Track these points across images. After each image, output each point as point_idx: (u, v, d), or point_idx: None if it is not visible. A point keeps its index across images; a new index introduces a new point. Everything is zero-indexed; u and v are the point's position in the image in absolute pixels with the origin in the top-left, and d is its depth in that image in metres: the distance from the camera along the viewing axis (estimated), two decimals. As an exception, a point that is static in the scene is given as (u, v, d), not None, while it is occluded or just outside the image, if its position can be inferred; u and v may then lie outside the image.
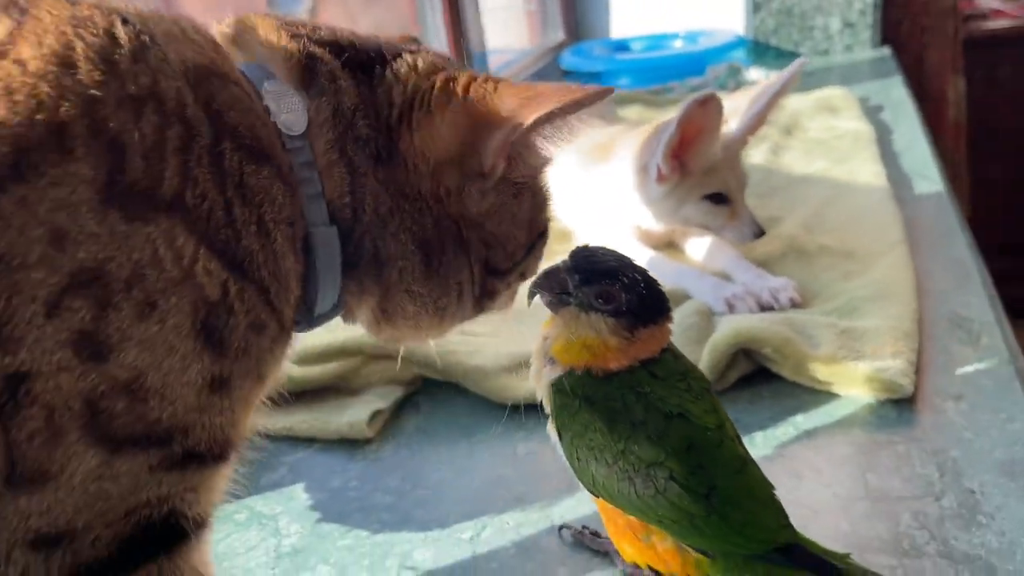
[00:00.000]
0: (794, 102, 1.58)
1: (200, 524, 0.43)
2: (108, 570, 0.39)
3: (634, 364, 0.52)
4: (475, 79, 0.48)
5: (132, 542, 0.40)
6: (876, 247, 0.97)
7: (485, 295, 0.51)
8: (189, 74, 0.41)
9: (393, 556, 0.63)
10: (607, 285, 0.52)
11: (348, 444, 0.77)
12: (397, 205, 0.47)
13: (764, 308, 0.87)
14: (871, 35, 2.08)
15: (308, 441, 0.79)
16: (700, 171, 0.94)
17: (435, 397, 0.83)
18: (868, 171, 1.22)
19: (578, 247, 0.54)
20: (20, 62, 0.36)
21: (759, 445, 0.70)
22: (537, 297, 0.54)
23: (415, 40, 0.54)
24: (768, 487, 0.52)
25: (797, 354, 0.74)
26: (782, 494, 0.52)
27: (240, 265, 0.40)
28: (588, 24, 2.37)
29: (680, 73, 1.85)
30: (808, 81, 1.79)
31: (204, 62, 0.42)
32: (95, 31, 0.39)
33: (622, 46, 2.15)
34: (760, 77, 1.76)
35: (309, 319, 0.48)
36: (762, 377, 0.78)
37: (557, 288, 0.53)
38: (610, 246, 1.06)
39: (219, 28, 0.48)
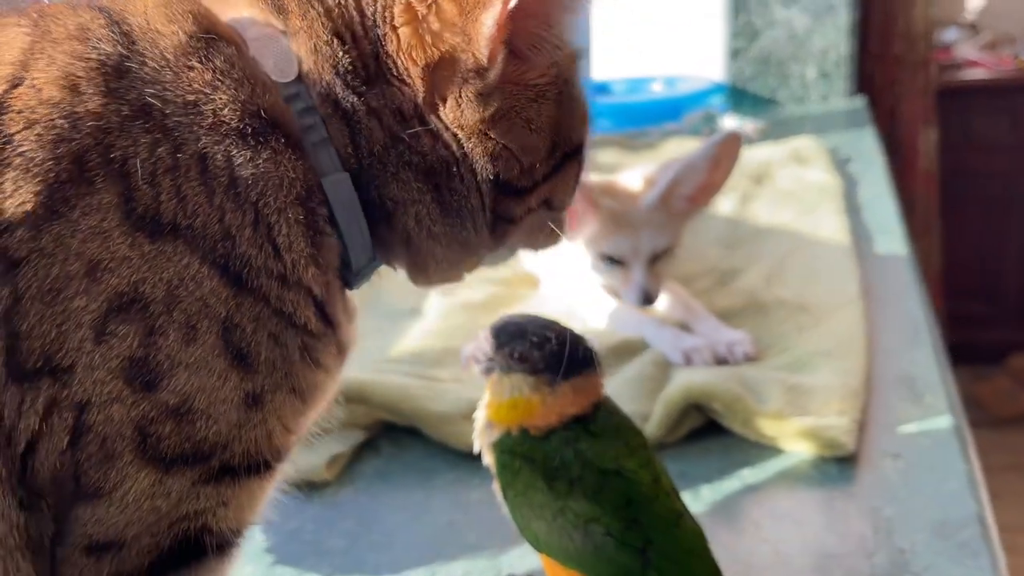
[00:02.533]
0: (766, 152, 1.61)
1: (225, 541, 0.44)
2: None
3: (568, 421, 0.54)
4: None
5: (167, 553, 0.42)
6: (831, 301, 0.99)
7: (502, 220, 0.45)
8: (169, 64, 0.39)
9: (343, 601, 0.64)
10: (517, 345, 0.54)
11: (305, 486, 0.78)
12: (391, 134, 0.42)
13: (720, 361, 0.89)
14: (846, 85, 2.13)
15: (268, 482, 0.80)
16: (593, 230, 0.97)
17: (396, 442, 0.84)
18: (831, 224, 1.25)
19: (500, 317, 0.57)
20: (36, 87, 0.36)
21: (704, 498, 0.72)
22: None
23: None
24: (702, 539, 0.54)
25: (746, 410, 0.77)
26: (721, 549, 0.54)
27: (238, 277, 0.39)
28: (571, 65, 2.41)
29: (658, 118, 1.89)
30: (783, 129, 1.83)
31: (182, 39, 0.40)
32: (95, 44, 0.38)
33: (603, 88, 2.19)
34: (734, 124, 1.80)
35: (349, 278, 0.45)
36: (713, 430, 0.80)
37: (482, 356, 0.55)
38: (575, 295, 1.08)
39: None
